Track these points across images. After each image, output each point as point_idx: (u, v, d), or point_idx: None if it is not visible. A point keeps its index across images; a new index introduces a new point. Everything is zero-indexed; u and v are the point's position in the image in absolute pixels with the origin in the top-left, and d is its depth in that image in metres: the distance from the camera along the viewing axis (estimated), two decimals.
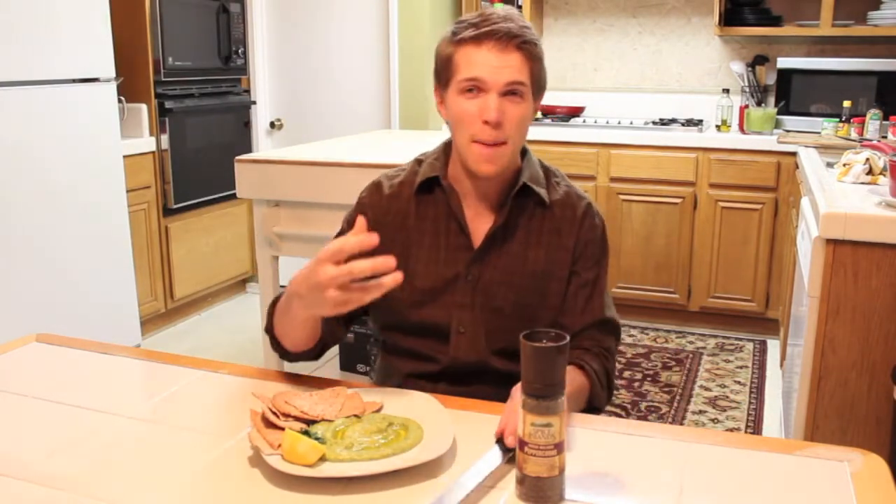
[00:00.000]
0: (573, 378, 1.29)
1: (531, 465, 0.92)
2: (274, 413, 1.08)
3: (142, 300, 3.59)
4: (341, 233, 1.43)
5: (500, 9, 1.34)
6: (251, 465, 1.03)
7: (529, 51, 1.31)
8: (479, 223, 1.40)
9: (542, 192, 1.40)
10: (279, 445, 1.01)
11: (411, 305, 1.40)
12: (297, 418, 1.08)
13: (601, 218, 1.45)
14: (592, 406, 1.36)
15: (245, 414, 1.12)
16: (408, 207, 1.43)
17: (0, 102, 2.83)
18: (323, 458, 1.01)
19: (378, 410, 1.15)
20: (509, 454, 1.01)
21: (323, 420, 1.09)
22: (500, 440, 1.04)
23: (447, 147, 1.45)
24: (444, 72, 1.35)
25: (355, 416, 1.12)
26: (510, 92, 1.30)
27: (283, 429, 1.04)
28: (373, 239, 1.12)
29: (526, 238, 1.40)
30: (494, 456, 1.01)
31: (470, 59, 1.30)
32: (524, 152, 1.43)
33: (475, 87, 1.30)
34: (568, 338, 0.94)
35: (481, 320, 1.38)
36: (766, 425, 2.93)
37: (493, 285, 1.39)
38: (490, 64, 1.29)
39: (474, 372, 1.39)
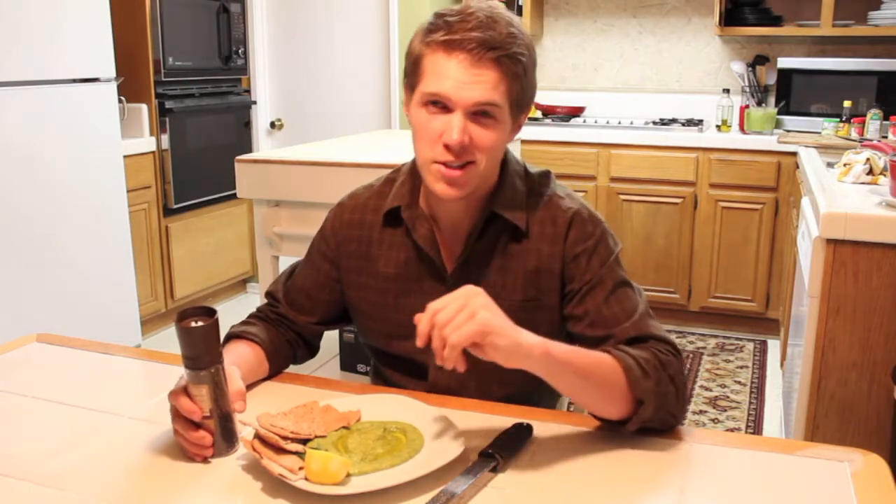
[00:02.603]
0: (591, 354, 1.09)
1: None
2: (280, 437, 1.03)
3: (142, 300, 3.59)
4: (309, 254, 1.38)
5: (487, 7, 1.14)
6: (251, 465, 1.03)
7: (508, 67, 1.12)
8: (454, 249, 1.27)
9: (519, 217, 1.23)
10: (300, 468, 0.98)
11: (386, 336, 1.32)
12: (292, 440, 1.03)
13: (596, 222, 1.25)
14: (636, 398, 1.08)
15: (243, 414, 1.12)
16: (371, 236, 1.31)
17: (1, 102, 2.83)
18: (348, 474, 0.98)
19: (357, 419, 1.12)
20: (492, 464, 1.00)
21: (316, 437, 1.05)
22: (483, 452, 1.02)
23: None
24: (411, 74, 1.18)
25: (344, 427, 1.09)
26: (479, 113, 1.13)
27: (290, 452, 1.00)
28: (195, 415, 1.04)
29: (502, 266, 1.25)
30: (476, 466, 1.00)
31: (437, 69, 1.12)
32: (504, 163, 1.25)
33: (439, 104, 1.13)
34: (215, 316, 1.05)
35: (465, 361, 1.24)
36: (766, 425, 2.93)
37: None
38: (457, 79, 1.11)
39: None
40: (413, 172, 1.30)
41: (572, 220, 1.24)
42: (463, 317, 0.97)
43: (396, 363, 1.34)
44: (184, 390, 1.05)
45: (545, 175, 1.31)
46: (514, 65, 1.13)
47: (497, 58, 1.11)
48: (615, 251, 1.25)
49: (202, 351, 1.04)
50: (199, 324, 1.04)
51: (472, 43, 1.10)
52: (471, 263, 1.25)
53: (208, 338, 1.05)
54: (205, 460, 1.05)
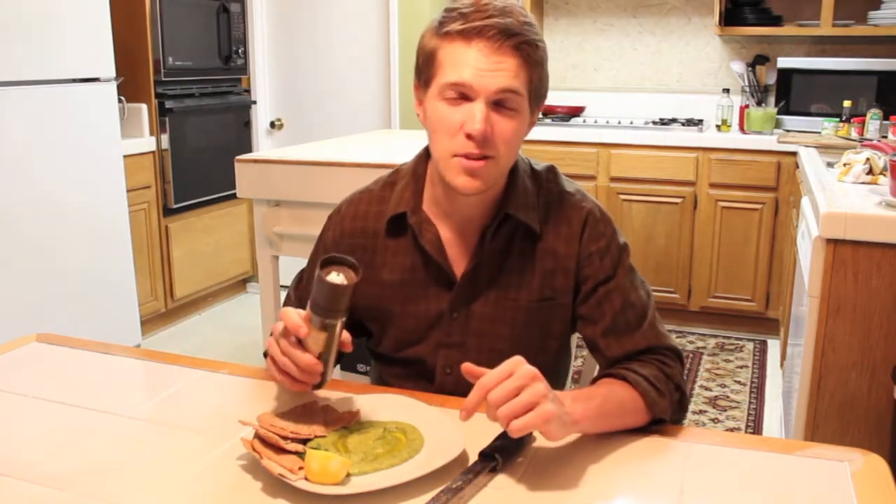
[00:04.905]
0: (612, 393, 1.11)
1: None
2: (280, 437, 1.03)
3: (142, 300, 3.59)
4: (312, 265, 1.32)
5: None
6: (251, 465, 1.03)
7: (528, 54, 1.12)
8: (462, 252, 1.24)
9: (532, 218, 1.23)
10: (300, 468, 0.97)
11: (394, 342, 1.30)
12: (292, 439, 1.03)
13: (608, 221, 1.27)
14: (657, 419, 1.13)
15: (243, 414, 1.12)
16: (374, 244, 1.28)
17: (1, 102, 2.83)
18: (348, 474, 0.98)
19: (357, 419, 1.12)
20: (492, 464, 1.00)
21: (316, 437, 1.05)
22: (483, 452, 1.01)
23: (421, 163, 1.28)
24: (425, 69, 1.16)
25: (344, 427, 1.09)
26: (501, 102, 1.12)
27: (290, 452, 1.00)
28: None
29: (517, 267, 1.23)
30: (476, 466, 1.00)
31: (456, 59, 1.11)
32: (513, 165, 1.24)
33: (460, 94, 1.11)
34: (359, 276, 1.05)
35: (475, 363, 1.17)
36: (766, 425, 2.93)
37: (486, 323, 1.24)
38: (478, 66, 1.09)
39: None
40: (415, 174, 1.27)
41: (586, 221, 1.25)
42: (522, 404, 0.94)
43: (403, 369, 1.32)
44: (296, 313, 1.05)
45: (551, 170, 1.30)
46: (533, 51, 1.13)
47: (517, 45, 1.10)
48: (625, 249, 1.27)
49: (339, 304, 1.05)
50: (342, 279, 1.04)
51: (492, 30, 1.09)
52: (481, 267, 1.24)
53: (347, 294, 1.05)
54: (300, 387, 1.10)
